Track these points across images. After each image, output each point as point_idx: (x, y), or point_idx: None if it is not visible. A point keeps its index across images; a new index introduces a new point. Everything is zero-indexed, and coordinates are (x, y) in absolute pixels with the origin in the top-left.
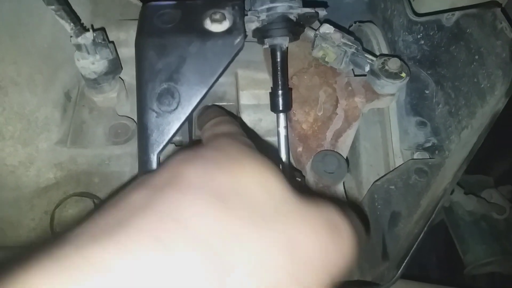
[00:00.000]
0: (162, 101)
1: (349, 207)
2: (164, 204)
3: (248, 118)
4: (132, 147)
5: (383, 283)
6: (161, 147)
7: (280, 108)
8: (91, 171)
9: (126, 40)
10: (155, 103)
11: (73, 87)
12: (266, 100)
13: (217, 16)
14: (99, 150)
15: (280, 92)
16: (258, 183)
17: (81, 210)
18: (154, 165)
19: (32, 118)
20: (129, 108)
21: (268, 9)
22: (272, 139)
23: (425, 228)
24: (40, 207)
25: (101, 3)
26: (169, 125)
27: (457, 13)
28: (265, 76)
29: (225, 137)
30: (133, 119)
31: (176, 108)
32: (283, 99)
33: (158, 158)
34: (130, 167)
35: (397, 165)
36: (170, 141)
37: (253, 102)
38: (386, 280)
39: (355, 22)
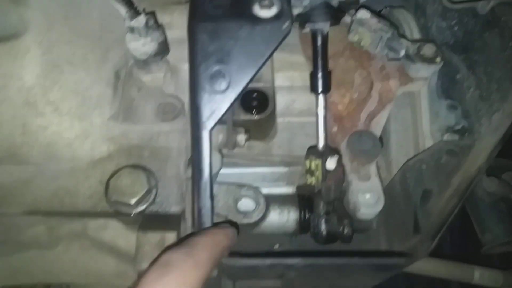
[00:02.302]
0: (213, 82)
1: None
2: None
3: (282, 99)
4: (179, 124)
5: (416, 254)
6: (212, 124)
7: (320, 90)
8: (141, 145)
9: (169, 23)
10: (207, 84)
11: (121, 67)
12: (300, 82)
13: (266, 2)
14: (148, 127)
15: (320, 74)
16: None
17: (133, 181)
18: (206, 141)
19: (86, 95)
20: (173, 87)
21: None
22: (305, 119)
23: (459, 205)
24: (95, 177)
25: None
26: (220, 104)
27: (492, 1)
28: (300, 59)
29: None
30: (179, 98)
31: (227, 88)
32: (323, 81)
33: (210, 134)
34: (177, 143)
35: (426, 146)
36: (221, 119)
37: (287, 84)
38: (419, 251)
39: (385, 7)
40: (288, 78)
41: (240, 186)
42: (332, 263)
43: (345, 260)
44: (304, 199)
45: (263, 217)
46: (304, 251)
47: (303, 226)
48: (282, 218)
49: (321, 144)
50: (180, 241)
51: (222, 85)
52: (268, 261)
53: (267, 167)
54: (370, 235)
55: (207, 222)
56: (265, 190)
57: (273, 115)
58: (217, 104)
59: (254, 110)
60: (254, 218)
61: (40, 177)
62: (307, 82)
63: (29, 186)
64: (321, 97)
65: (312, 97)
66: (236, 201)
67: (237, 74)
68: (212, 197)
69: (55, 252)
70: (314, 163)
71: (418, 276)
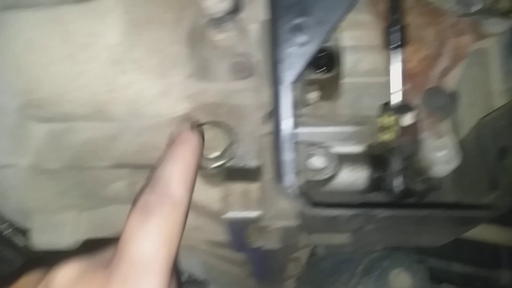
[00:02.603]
0: (293, 35)
1: None
2: None
3: (347, 59)
4: (253, 83)
5: (494, 209)
6: (292, 78)
7: (395, 45)
8: (218, 103)
9: None
10: (287, 37)
11: (195, 26)
12: (366, 42)
13: None
14: (223, 85)
15: (395, 28)
16: None
17: (214, 136)
18: (287, 95)
19: (166, 54)
20: (244, 47)
21: None
22: (371, 80)
23: None
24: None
25: None
26: (300, 58)
27: None
28: (366, 17)
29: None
30: (252, 57)
31: (307, 42)
32: (398, 35)
33: (291, 88)
34: (251, 101)
35: (498, 105)
36: (300, 72)
37: (352, 43)
38: (498, 205)
39: None
40: (354, 37)
41: (311, 144)
42: (415, 215)
43: (429, 211)
44: (374, 158)
45: (334, 175)
46: (386, 203)
47: (374, 184)
48: (353, 176)
49: (396, 100)
50: (151, 177)
51: (302, 38)
52: (352, 211)
53: (335, 127)
54: (442, 192)
55: (291, 176)
56: (335, 149)
57: (339, 74)
58: (297, 58)
59: (322, 68)
60: (326, 175)
61: (125, 133)
62: (372, 41)
63: (116, 142)
64: (396, 52)
65: (378, 56)
66: (307, 158)
67: (317, 27)
68: (294, 150)
69: None
70: (389, 119)
71: (466, 240)
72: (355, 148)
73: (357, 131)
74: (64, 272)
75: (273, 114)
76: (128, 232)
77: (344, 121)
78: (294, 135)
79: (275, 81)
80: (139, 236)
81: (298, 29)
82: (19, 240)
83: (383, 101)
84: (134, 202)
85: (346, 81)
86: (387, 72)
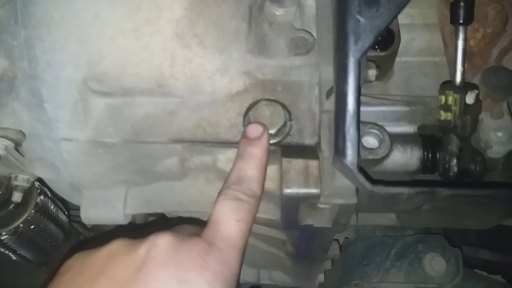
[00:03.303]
0: (364, 8)
1: None
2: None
3: (401, 38)
4: (311, 59)
5: None
6: (361, 53)
7: (461, 21)
8: (275, 80)
9: None
10: (357, 10)
11: (254, 2)
12: (420, 20)
13: None
14: (281, 61)
15: (462, 3)
16: None
17: (271, 113)
18: (355, 70)
19: (226, 29)
20: (300, 22)
21: None
22: (423, 59)
23: None
24: (234, 109)
25: None
26: (370, 31)
27: None
28: None
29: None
30: (310, 33)
31: (379, 14)
32: (465, 11)
33: (359, 63)
34: (309, 77)
35: None
36: (370, 46)
37: (405, 21)
38: None
39: None
40: (408, 15)
41: (364, 123)
42: (478, 194)
43: (492, 191)
44: (427, 138)
45: (388, 154)
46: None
47: (426, 165)
48: (405, 157)
49: (459, 78)
50: (234, 174)
51: (373, 11)
52: (415, 189)
53: (388, 106)
54: (496, 174)
55: (353, 157)
56: (387, 129)
57: (396, 52)
58: (367, 32)
59: (380, 46)
60: (380, 154)
61: (183, 108)
62: (427, 19)
63: (173, 117)
64: (461, 29)
65: (432, 35)
66: (361, 137)
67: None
68: (359, 129)
69: (183, 183)
70: (452, 97)
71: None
72: (407, 129)
73: (409, 111)
74: (166, 239)
75: (336, 91)
76: (222, 216)
77: (397, 100)
78: (358, 112)
79: (342, 56)
80: (232, 221)
81: (370, 1)
82: (62, 216)
83: (435, 82)
84: (220, 193)
85: (398, 60)
86: (440, 52)
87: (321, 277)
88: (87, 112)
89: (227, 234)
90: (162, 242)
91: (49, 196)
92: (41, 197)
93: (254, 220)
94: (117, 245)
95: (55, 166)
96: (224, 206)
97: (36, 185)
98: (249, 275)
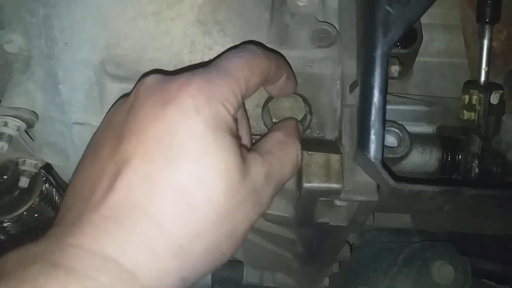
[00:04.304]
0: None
1: None
2: None
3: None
4: (333, 52)
5: None
6: (389, 46)
7: (487, 19)
8: (296, 71)
9: None
10: (388, 1)
11: None
12: (441, 20)
13: None
14: (303, 53)
15: (490, 2)
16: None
17: (292, 105)
18: (382, 62)
19: (248, 18)
20: (322, 15)
21: None
22: (442, 60)
23: None
24: (252, 100)
25: None
26: (400, 24)
27: None
28: None
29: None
30: (333, 25)
31: (410, 6)
32: (492, 10)
33: (387, 55)
34: (331, 71)
35: None
36: (399, 38)
37: (426, 21)
38: None
39: None
40: (428, 15)
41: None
42: (503, 195)
43: None
44: (447, 139)
45: (407, 154)
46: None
47: (445, 166)
48: (424, 157)
49: (483, 77)
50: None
51: (404, 3)
52: (439, 188)
53: (407, 105)
54: None
55: (378, 152)
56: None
57: (417, 51)
58: (396, 24)
59: (402, 43)
60: (400, 153)
61: None
62: (448, 20)
63: None
64: (488, 27)
65: (452, 36)
66: None
67: None
68: (384, 124)
69: None
70: (476, 97)
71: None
72: (426, 129)
73: (428, 111)
74: (153, 76)
75: (361, 84)
76: (224, 56)
77: (416, 100)
78: (384, 106)
79: (369, 48)
80: (232, 57)
81: None
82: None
83: (454, 83)
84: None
85: (417, 60)
86: (459, 53)
87: (325, 282)
88: (102, 96)
89: (225, 65)
90: (148, 78)
91: (54, 184)
92: (46, 185)
93: (259, 74)
94: (117, 102)
95: (65, 151)
96: (228, 52)
97: (42, 172)
98: (252, 277)
